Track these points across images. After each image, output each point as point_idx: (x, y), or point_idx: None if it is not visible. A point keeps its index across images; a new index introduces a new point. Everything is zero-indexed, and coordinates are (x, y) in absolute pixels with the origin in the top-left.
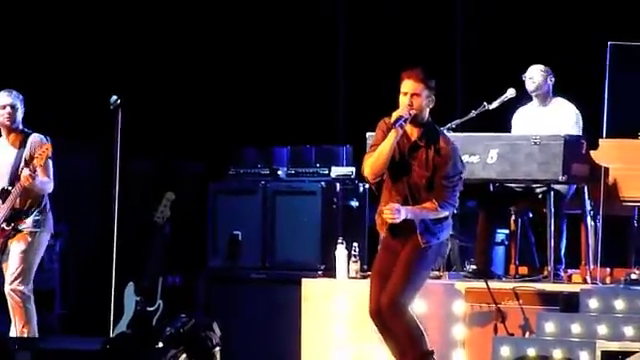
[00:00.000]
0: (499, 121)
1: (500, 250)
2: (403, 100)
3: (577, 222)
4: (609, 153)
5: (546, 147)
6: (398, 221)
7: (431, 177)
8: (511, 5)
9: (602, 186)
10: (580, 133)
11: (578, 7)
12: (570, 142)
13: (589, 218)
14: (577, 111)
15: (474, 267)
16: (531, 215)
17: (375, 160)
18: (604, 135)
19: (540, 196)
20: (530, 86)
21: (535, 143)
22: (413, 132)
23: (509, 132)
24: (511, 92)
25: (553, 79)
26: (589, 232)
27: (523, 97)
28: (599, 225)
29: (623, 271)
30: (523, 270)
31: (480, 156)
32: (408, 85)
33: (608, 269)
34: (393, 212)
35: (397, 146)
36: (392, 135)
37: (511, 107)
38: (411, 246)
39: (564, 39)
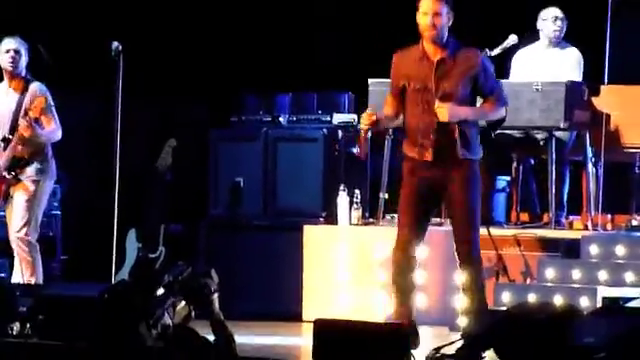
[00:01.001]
0: (500, 67)
1: (501, 197)
2: (424, 20)
3: (578, 169)
4: (610, 100)
5: (548, 93)
6: (455, 119)
7: (468, 86)
8: None
9: (603, 133)
10: (581, 78)
11: None
12: (572, 88)
13: (590, 165)
14: (580, 55)
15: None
16: (532, 162)
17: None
18: (606, 81)
19: (542, 143)
20: (553, 28)
21: (537, 90)
22: (437, 53)
23: (508, 77)
24: (513, 38)
25: (566, 23)
26: (590, 179)
27: (525, 41)
28: (600, 172)
29: (624, 217)
30: (524, 217)
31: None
32: (428, 4)
33: (609, 215)
34: (449, 109)
35: (419, 72)
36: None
37: (511, 53)
38: (460, 178)
39: None
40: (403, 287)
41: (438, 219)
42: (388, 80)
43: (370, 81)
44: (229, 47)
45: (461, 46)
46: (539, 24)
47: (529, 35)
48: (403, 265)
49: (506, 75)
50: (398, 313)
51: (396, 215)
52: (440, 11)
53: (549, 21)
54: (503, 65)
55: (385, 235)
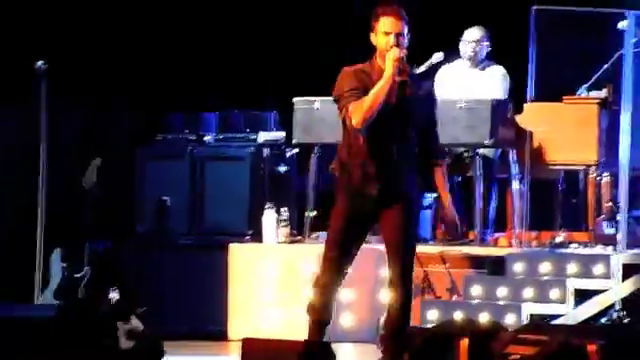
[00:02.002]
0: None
1: (427, 214)
2: (385, 41)
3: (503, 186)
4: (534, 117)
5: (474, 111)
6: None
7: (418, 111)
8: None
9: (528, 150)
10: (506, 96)
11: None
12: (497, 106)
13: (515, 182)
14: (505, 73)
15: None
16: (459, 178)
17: (370, 106)
18: (529, 99)
19: (467, 160)
20: (468, 50)
21: (461, 107)
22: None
23: None
24: (438, 56)
25: (490, 43)
26: (515, 196)
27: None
28: (525, 189)
29: (549, 234)
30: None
31: None
32: (390, 24)
33: (534, 233)
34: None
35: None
36: (387, 81)
37: (437, 71)
38: (402, 205)
39: (490, 3)
40: None
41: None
42: (313, 98)
43: (295, 100)
44: (155, 65)
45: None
46: (460, 45)
47: (453, 53)
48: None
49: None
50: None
51: (322, 233)
52: (402, 31)
53: (464, 43)
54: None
55: (311, 253)
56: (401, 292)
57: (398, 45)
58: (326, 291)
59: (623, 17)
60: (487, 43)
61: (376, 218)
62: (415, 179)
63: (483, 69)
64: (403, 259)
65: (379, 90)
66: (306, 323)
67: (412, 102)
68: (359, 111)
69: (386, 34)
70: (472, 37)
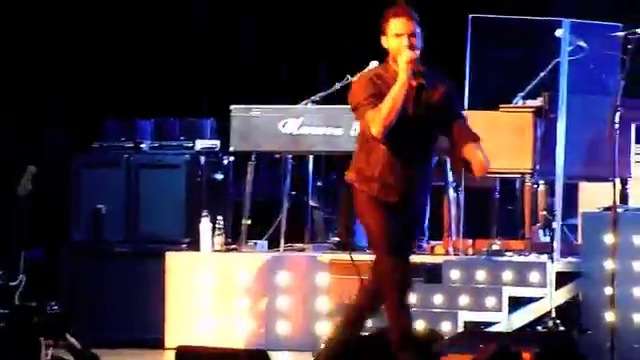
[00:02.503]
0: None
1: None
2: (399, 43)
3: (440, 194)
4: (470, 125)
5: None
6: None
7: (441, 116)
8: None
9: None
10: None
11: None
12: None
13: (451, 190)
14: None
15: (338, 239)
16: None
17: (387, 113)
18: (465, 107)
19: None
20: None
21: None
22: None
23: None
24: (373, 64)
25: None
26: (452, 204)
27: None
28: (461, 197)
29: (485, 242)
30: None
31: (344, 129)
32: (402, 25)
33: (470, 240)
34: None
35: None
36: (401, 85)
37: None
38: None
39: (426, 12)
40: None
41: (300, 244)
42: (250, 106)
43: (232, 107)
44: (91, 73)
45: (434, 71)
46: None
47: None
48: None
49: None
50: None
51: (259, 241)
52: (415, 31)
53: None
54: None
55: (247, 261)
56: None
57: (411, 47)
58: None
59: (559, 25)
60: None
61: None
62: (430, 185)
63: None
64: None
65: (395, 95)
66: (241, 331)
67: (431, 108)
68: (377, 119)
69: (397, 36)
70: None
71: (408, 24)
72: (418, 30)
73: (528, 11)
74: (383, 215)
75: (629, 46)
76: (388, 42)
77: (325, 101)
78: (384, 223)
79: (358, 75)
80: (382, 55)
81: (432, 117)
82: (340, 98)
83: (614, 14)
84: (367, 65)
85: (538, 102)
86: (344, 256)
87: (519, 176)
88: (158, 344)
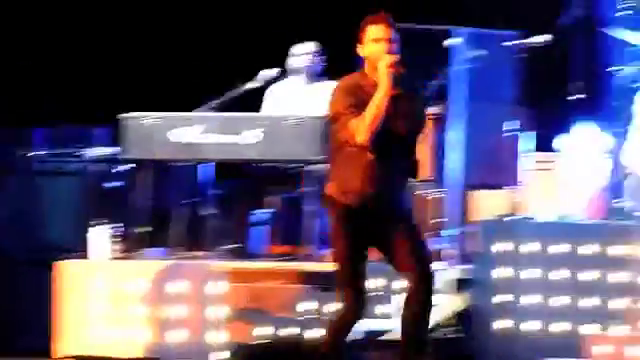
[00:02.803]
0: (257, 101)
1: (260, 230)
2: (377, 48)
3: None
4: None
5: (306, 127)
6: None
7: (415, 125)
8: None
9: None
10: None
11: None
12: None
13: None
14: None
15: (234, 247)
16: (291, 195)
17: (372, 120)
18: None
19: (300, 176)
20: (300, 63)
21: (296, 123)
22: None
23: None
24: (273, 71)
25: (324, 58)
26: None
27: (281, 75)
28: None
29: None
30: (283, 250)
31: (242, 136)
32: (381, 31)
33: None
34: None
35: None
36: (385, 91)
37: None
38: (404, 220)
39: (323, 20)
40: None
41: (196, 252)
42: (144, 113)
43: (121, 116)
44: None
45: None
46: (291, 60)
47: (285, 69)
48: None
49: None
50: None
51: (154, 249)
52: (393, 37)
53: (296, 56)
54: (259, 98)
55: (142, 270)
56: (424, 295)
57: (390, 52)
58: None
59: (456, 34)
60: (320, 58)
61: (375, 238)
62: (408, 195)
63: (314, 85)
64: (423, 263)
65: (379, 102)
66: (135, 339)
67: (409, 113)
68: (362, 127)
69: (376, 41)
70: (304, 50)
71: (387, 30)
72: (397, 37)
73: (424, 19)
74: (351, 243)
75: (523, 55)
76: (366, 49)
77: (222, 107)
78: (349, 253)
79: (337, 85)
80: (272, 63)
81: (409, 125)
82: (237, 105)
83: (509, 22)
84: (257, 74)
85: (436, 110)
86: (240, 263)
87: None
88: (48, 353)
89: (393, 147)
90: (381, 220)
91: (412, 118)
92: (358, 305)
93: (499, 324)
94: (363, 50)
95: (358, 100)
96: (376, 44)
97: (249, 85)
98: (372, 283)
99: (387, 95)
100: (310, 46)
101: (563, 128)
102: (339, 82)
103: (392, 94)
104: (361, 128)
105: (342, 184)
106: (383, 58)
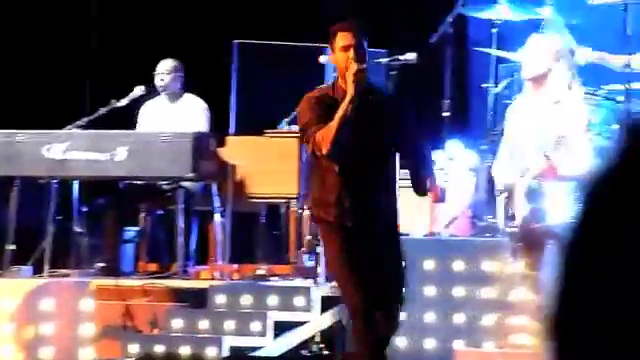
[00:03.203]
0: (128, 118)
1: (130, 247)
2: (344, 56)
3: (206, 219)
4: (236, 150)
5: (175, 144)
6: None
7: (390, 131)
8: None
9: (230, 183)
10: (207, 129)
11: (205, 4)
12: (199, 139)
13: (217, 215)
14: (206, 106)
15: (103, 264)
16: (161, 212)
17: (337, 130)
18: (231, 132)
19: (170, 193)
20: (160, 82)
21: (164, 140)
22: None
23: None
24: (140, 89)
25: (183, 75)
26: (218, 229)
27: (152, 93)
28: (227, 222)
29: (251, 267)
30: (153, 267)
31: (109, 153)
32: (347, 38)
33: (236, 265)
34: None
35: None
36: (350, 100)
37: (140, 104)
38: (391, 235)
39: (192, 36)
40: None
41: (65, 270)
42: (13, 130)
43: None
44: None
45: (376, 84)
46: (155, 78)
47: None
48: None
49: (133, 126)
50: None
51: (23, 267)
52: (361, 43)
53: (156, 76)
54: (130, 116)
55: (10, 288)
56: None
57: (358, 59)
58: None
59: (325, 51)
60: (181, 74)
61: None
62: (396, 207)
63: (182, 102)
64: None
65: (344, 111)
66: (4, 358)
67: (382, 122)
68: (327, 138)
69: (343, 49)
70: (163, 68)
71: (355, 37)
72: (365, 44)
73: (294, 37)
74: (340, 245)
75: (393, 72)
76: (335, 57)
77: (90, 125)
78: (340, 254)
79: (305, 96)
80: (140, 80)
81: (381, 134)
82: (105, 122)
83: (378, 40)
84: (132, 90)
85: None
86: (109, 281)
87: (284, 201)
88: None
89: (368, 158)
90: (359, 236)
91: (386, 127)
92: (370, 316)
93: (400, 341)
94: (333, 59)
95: (325, 111)
96: (344, 52)
97: (120, 103)
98: (245, 300)
99: (350, 103)
100: (167, 64)
101: (436, 145)
102: (306, 93)
103: (354, 101)
104: (325, 139)
105: (318, 198)
106: (351, 66)
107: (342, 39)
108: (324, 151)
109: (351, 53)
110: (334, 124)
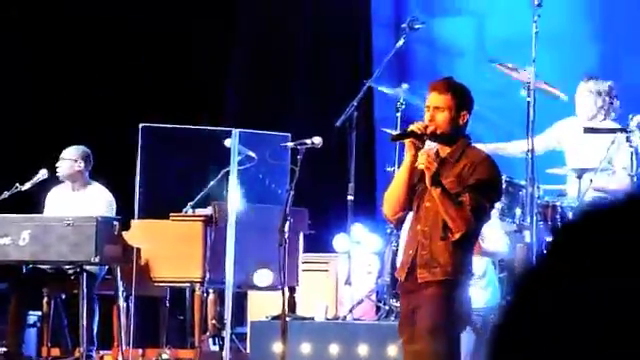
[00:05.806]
0: (32, 202)
1: (32, 332)
2: (425, 116)
3: (110, 303)
4: (140, 234)
5: (79, 228)
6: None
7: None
8: (43, 84)
9: (134, 267)
10: (112, 214)
11: (111, 88)
12: (103, 223)
13: (121, 299)
14: (111, 199)
15: (6, 349)
16: (64, 296)
17: (391, 192)
18: (136, 215)
19: (73, 277)
20: (58, 169)
21: (68, 224)
22: (444, 150)
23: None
24: (43, 173)
25: (87, 163)
26: (121, 313)
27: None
28: (131, 306)
29: (155, 351)
30: (55, 352)
31: (12, 237)
32: (431, 98)
33: (140, 350)
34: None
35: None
36: (406, 167)
37: (44, 188)
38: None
39: (98, 120)
40: None
41: None
42: None
43: None
44: None
45: (471, 147)
46: None
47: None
48: None
49: (41, 209)
50: None
51: None
52: (443, 105)
53: (61, 161)
54: (36, 200)
55: None
56: None
57: (432, 119)
58: None
59: (229, 135)
60: (82, 163)
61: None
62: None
63: (87, 192)
64: None
65: (398, 175)
66: None
67: (456, 178)
68: (385, 200)
69: (427, 108)
70: (63, 155)
71: (437, 97)
72: (453, 104)
73: (199, 121)
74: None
75: (298, 156)
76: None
77: None
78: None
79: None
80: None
81: (454, 189)
82: (8, 206)
83: (283, 124)
84: (37, 173)
85: (208, 211)
86: None
87: (189, 285)
88: None
89: (428, 218)
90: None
91: (458, 183)
92: None
93: None
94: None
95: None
96: (427, 112)
97: (24, 186)
98: None
99: (407, 170)
100: (67, 152)
101: (342, 228)
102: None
103: (429, 166)
104: (385, 202)
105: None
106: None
107: (427, 98)
108: (383, 212)
109: (426, 114)
110: (389, 190)
